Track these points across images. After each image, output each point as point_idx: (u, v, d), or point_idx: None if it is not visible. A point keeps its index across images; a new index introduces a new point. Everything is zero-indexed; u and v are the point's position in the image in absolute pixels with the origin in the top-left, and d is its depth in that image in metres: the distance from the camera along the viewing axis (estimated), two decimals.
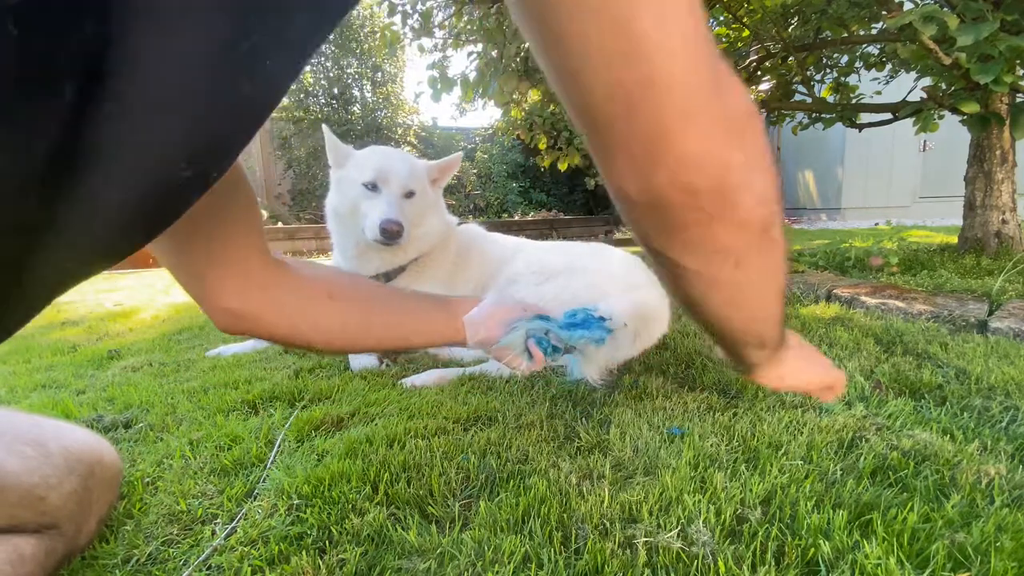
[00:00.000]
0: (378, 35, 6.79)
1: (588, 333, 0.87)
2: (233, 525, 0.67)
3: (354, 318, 0.73)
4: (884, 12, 2.19)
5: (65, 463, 0.64)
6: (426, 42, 3.12)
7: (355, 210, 1.43)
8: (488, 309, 0.81)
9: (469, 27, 2.92)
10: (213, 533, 0.66)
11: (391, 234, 1.33)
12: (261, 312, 0.66)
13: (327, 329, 0.71)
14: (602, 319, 0.89)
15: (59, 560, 0.62)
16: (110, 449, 0.72)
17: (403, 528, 0.65)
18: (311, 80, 7.32)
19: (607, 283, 1.35)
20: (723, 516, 0.63)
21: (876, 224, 6.21)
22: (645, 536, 0.60)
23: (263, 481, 0.78)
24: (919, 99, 2.33)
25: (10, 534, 0.58)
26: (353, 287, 0.75)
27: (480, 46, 2.79)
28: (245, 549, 0.62)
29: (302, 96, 7.24)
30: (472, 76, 2.68)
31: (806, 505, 0.64)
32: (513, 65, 2.43)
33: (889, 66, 2.89)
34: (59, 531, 0.62)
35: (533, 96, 3.04)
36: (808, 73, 2.75)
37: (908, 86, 2.62)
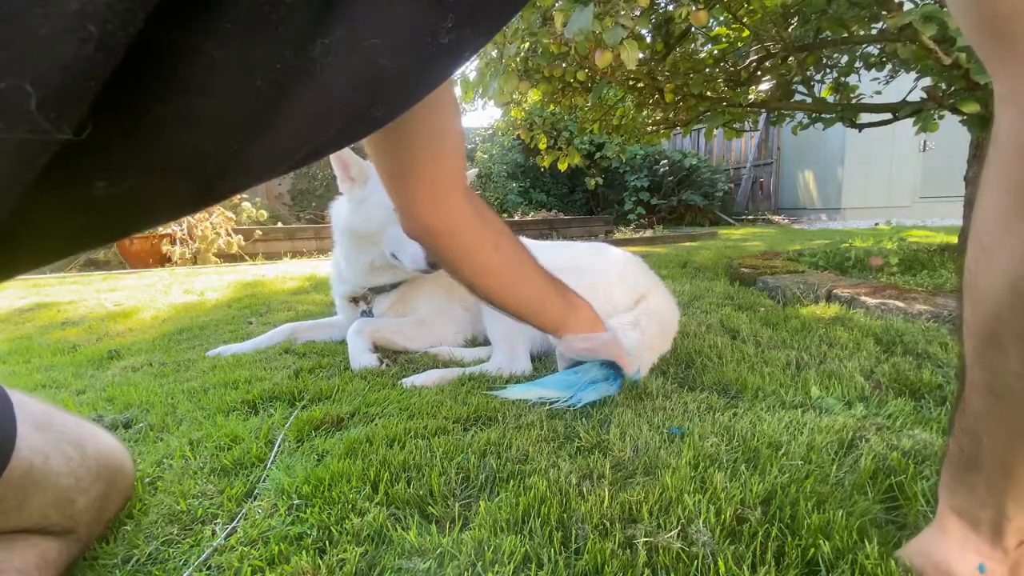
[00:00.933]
0: None
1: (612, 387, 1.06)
2: (233, 525, 0.67)
3: (504, 279, 0.85)
4: (884, 12, 2.19)
5: (96, 468, 0.64)
6: None
7: (381, 233, 1.44)
8: (594, 342, 0.98)
9: None
10: (213, 533, 0.66)
11: (438, 267, 1.37)
12: (441, 229, 0.79)
13: (484, 273, 0.84)
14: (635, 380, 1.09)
15: (71, 565, 0.62)
16: (129, 459, 0.73)
17: (403, 528, 0.65)
18: None
19: (610, 284, 1.35)
20: (723, 516, 0.63)
21: (876, 224, 6.21)
22: (645, 536, 0.60)
23: (263, 481, 0.78)
24: (919, 99, 2.33)
25: (37, 536, 0.57)
26: (514, 249, 0.86)
27: None
28: (245, 549, 0.62)
29: None
30: (472, 76, 2.68)
31: (806, 505, 0.64)
32: (513, 65, 2.43)
33: (889, 66, 2.89)
34: (77, 536, 0.62)
35: (533, 96, 3.04)
36: (808, 73, 2.75)
37: (908, 86, 2.61)
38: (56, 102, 0.25)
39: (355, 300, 1.59)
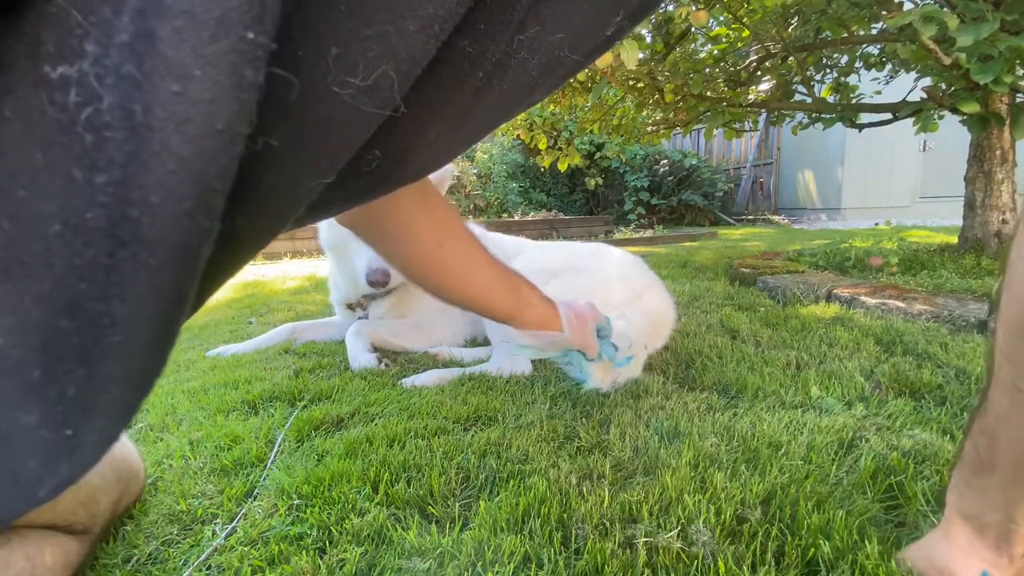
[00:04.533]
0: None
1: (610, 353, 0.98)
2: (233, 525, 0.67)
3: (447, 276, 0.75)
4: (884, 12, 2.19)
5: (118, 470, 0.64)
6: None
7: (346, 246, 1.44)
8: (576, 310, 0.90)
9: None
10: (213, 533, 0.66)
11: (378, 284, 1.37)
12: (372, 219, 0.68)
13: (425, 269, 0.73)
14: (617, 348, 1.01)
15: (82, 566, 0.62)
16: (143, 466, 0.73)
17: (403, 528, 0.65)
18: None
19: (609, 284, 1.35)
20: (723, 516, 0.63)
21: (876, 224, 6.20)
22: (645, 536, 0.60)
23: (263, 481, 0.78)
24: (919, 99, 2.33)
25: (63, 535, 0.57)
26: (463, 245, 0.75)
27: None
28: (245, 549, 0.63)
29: None
30: None
31: (806, 505, 0.64)
32: None
33: (889, 66, 2.89)
34: (92, 537, 0.62)
35: None
36: (808, 73, 2.75)
37: (908, 86, 2.62)
38: (400, 85, 0.30)
39: (351, 307, 1.60)
